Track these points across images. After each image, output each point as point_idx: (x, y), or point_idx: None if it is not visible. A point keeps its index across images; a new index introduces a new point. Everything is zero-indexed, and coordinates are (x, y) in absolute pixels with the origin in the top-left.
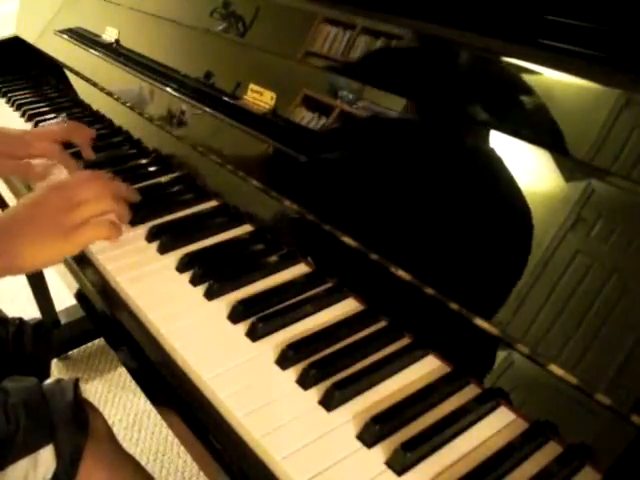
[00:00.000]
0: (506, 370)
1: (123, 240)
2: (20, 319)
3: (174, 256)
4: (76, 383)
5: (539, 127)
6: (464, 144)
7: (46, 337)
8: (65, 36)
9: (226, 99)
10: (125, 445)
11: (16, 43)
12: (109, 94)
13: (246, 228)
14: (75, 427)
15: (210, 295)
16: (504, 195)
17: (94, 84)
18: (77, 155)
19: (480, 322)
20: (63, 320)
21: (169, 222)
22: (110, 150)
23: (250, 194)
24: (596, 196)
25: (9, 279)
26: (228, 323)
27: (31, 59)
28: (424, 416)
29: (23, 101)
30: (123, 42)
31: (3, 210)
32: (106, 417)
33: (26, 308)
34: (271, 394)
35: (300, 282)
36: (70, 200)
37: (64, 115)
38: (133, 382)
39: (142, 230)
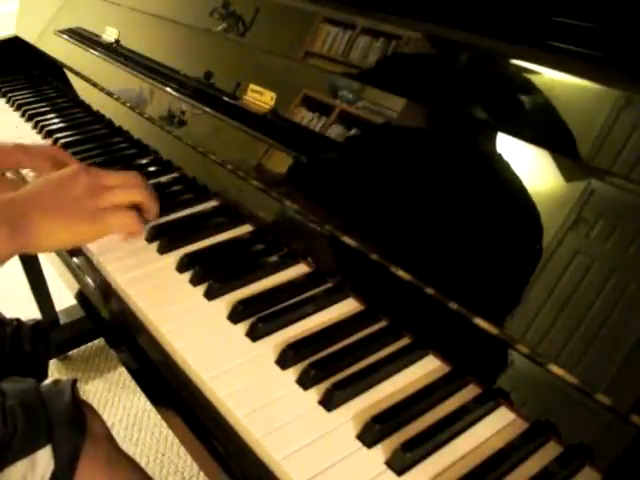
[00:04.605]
0: (506, 370)
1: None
2: (18, 320)
3: (174, 256)
4: (74, 384)
5: (539, 127)
6: (464, 144)
7: (44, 338)
8: (65, 36)
9: (226, 99)
10: (125, 445)
11: (16, 43)
12: (109, 94)
13: (246, 228)
14: (73, 428)
15: (210, 295)
16: (504, 195)
17: (94, 84)
18: None
19: (480, 322)
20: (63, 320)
21: (169, 222)
22: (110, 150)
23: (250, 194)
24: (596, 196)
25: (9, 279)
26: (228, 323)
27: (31, 59)
28: (424, 416)
29: (23, 101)
30: (123, 42)
31: None
32: (106, 417)
33: (26, 308)
34: (271, 394)
35: (300, 282)
36: (99, 183)
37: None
38: (133, 382)
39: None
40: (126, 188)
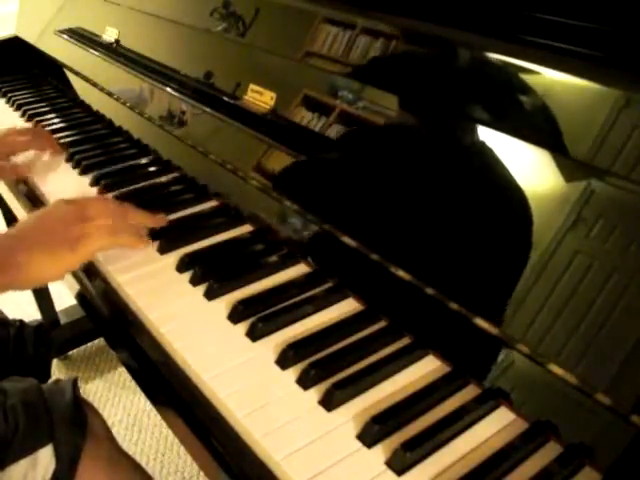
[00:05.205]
0: (506, 370)
1: None
2: (21, 321)
3: (174, 256)
4: (75, 383)
5: (539, 127)
6: (464, 144)
7: (46, 339)
8: (65, 36)
9: (226, 99)
10: (125, 445)
11: (16, 43)
12: (109, 94)
13: (246, 228)
14: (74, 427)
15: (210, 295)
16: (504, 195)
17: (94, 84)
18: None
19: (480, 322)
20: (63, 320)
21: (169, 222)
22: (110, 150)
23: (250, 194)
24: (596, 196)
25: None
26: (228, 323)
27: (31, 59)
28: (424, 416)
29: (23, 101)
30: (123, 42)
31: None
32: (106, 417)
33: (26, 308)
34: (271, 394)
35: (300, 282)
36: (78, 213)
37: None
38: (133, 382)
39: (142, 231)
40: (104, 215)
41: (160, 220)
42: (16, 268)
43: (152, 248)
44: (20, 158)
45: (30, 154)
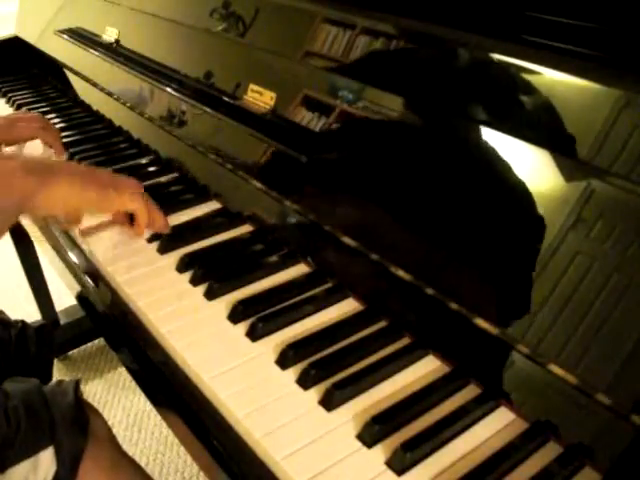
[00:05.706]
0: (506, 370)
1: (123, 241)
2: (22, 321)
3: (174, 256)
4: (77, 385)
5: (539, 127)
6: (464, 144)
7: (48, 340)
8: (65, 36)
9: (226, 99)
10: (125, 445)
11: (16, 43)
12: (109, 94)
13: (246, 228)
14: (75, 429)
15: (210, 295)
16: (504, 195)
17: (94, 84)
18: None
19: (480, 322)
20: (63, 320)
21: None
22: (110, 150)
23: (250, 194)
24: (596, 196)
25: (9, 279)
26: (228, 323)
27: (31, 59)
28: (424, 416)
29: (23, 101)
30: (123, 42)
31: None
32: (106, 417)
33: (26, 308)
34: (271, 394)
35: (300, 282)
36: (112, 175)
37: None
38: (133, 382)
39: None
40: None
41: (164, 227)
42: (45, 188)
43: (152, 248)
44: None
45: (32, 154)
